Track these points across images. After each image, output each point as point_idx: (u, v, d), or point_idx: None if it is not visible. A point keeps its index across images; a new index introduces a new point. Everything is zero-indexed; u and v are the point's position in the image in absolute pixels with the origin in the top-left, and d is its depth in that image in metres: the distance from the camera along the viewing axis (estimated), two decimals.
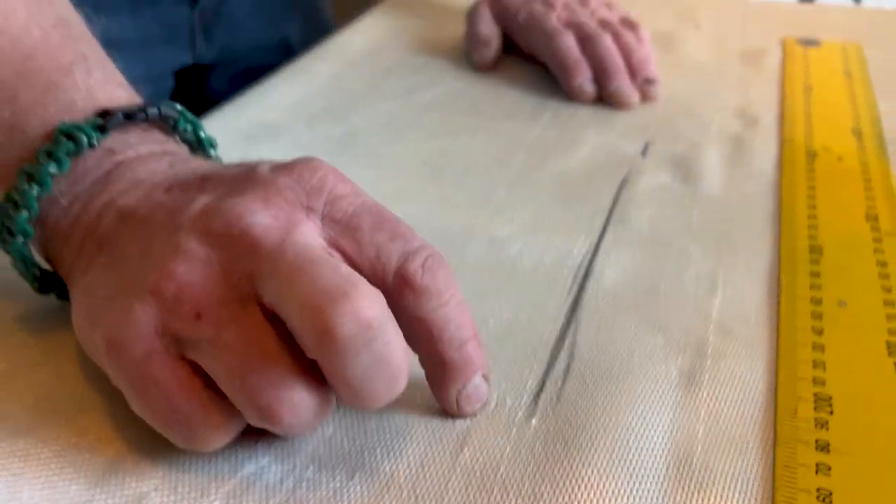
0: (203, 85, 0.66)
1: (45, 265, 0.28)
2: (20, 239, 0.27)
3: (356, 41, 0.58)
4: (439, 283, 0.23)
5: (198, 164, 0.27)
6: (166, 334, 0.22)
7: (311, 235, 0.23)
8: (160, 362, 0.22)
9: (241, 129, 0.43)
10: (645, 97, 0.48)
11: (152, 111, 0.28)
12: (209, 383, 0.22)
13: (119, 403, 0.23)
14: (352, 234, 0.24)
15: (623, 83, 0.48)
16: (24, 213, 0.26)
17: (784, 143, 0.43)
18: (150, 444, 0.23)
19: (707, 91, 0.50)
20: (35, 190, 0.26)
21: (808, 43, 0.58)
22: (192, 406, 0.22)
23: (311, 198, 0.24)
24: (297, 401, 0.21)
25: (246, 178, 0.25)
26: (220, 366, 0.22)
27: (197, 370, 0.22)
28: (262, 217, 0.23)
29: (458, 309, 0.24)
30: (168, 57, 0.60)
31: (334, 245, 0.23)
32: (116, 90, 0.29)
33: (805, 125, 0.45)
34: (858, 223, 0.35)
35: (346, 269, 0.22)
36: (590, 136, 0.43)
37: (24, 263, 0.27)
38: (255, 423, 0.22)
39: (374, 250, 0.23)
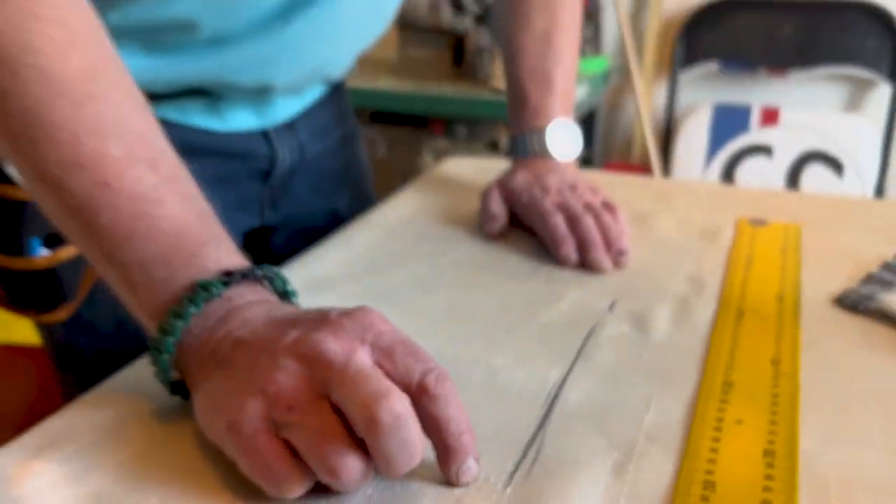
0: (266, 242, 0.80)
1: (175, 375, 0.40)
2: (165, 356, 0.38)
3: (393, 213, 0.72)
4: (447, 392, 0.35)
5: (287, 309, 0.39)
6: (268, 420, 0.33)
7: (363, 358, 0.35)
8: (264, 439, 0.33)
9: (304, 281, 0.56)
10: (616, 265, 0.60)
11: (258, 272, 0.40)
12: (294, 453, 0.33)
13: (231, 470, 0.34)
14: (390, 357, 0.35)
15: (599, 254, 0.60)
16: (171, 339, 0.38)
17: (721, 303, 0.54)
18: (254, 497, 0.34)
19: (668, 261, 0.62)
20: (179, 323, 0.38)
21: (757, 223, 0.70)
22: (283, 468, 0.33)
23: (363, 333, 0.36)
24: (352, 465, 0.32)
25: (321, 319, 0.36)
26: (303, 441, 0.33)
27: (287, 444, 0.33)
28: (333, 345, 0.35)
29: (458, 410, 0.35)
30: (241, 221, 0.74)
31: (378, 364, 0.35)
32: (234, 257, 0.41)
33: (741, 290, 0.56)
34: (765, 366, 0.46)
35: (385, 381, 0.33)
36: (571, 294, 0.55)
37: (164, 373, 0.39)
38: (324, 480, 0.33)
39: (404, 368, 0.35)
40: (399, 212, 0.73)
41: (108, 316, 0.67)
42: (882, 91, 1.81)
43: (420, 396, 0.34)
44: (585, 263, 0.60)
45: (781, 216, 0.72)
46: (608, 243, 0.61)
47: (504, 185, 0.69)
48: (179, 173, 0.42)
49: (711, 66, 1.89)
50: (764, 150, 1.85)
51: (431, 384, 0.34)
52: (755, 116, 1.85)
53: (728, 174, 1.86)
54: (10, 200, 0.62)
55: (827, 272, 0.59)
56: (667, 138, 1.94)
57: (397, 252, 0.63)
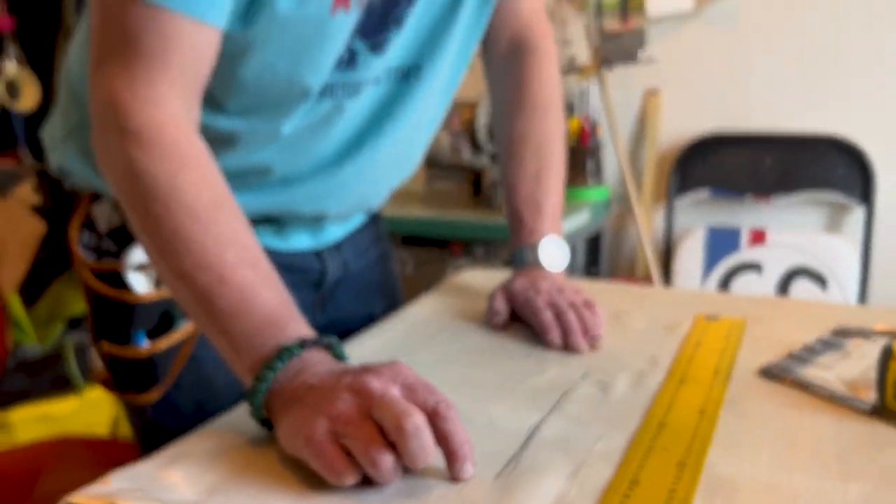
0: None
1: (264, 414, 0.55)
2: (259, 397, 0.54)
3: (418, 311, 0.88)
4: (451, 415, 0.50)
5: (342, 365, 0.55)
6: (331, 432, 0.49)
7: (395, 391, 0.50)
8: (329, 446, 0.48)
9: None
10: (591, 347, 0.75)
11: (325, 340, 0.57)
12: (349, 455, 0.48)
13: (304, 472, 0.50)
14: (413, 391, 0.51)
15: (578, 339, 0.75)
16: (264, 385, 0.54)
17: (669, 374, 0.69)
18: (320, 488, 0.49)
19: (633, 345, 0.77)
20: (270, 375, 0.54)
21: (711, 318, 0.85)
22: (342, 465, 0.48)
23: (395, 376, 0.51)
24: (387, 461, 0.47)
25: (366, 368, 0.52)
26: (355, 445, 0.48)
27: (344, 448, 0.48)
28: (374, 383, 0.50)
29: (459, 427, 0.50)
30: None
31: (405, 396, 0.50)
32: (307, 330, 0.58)
33: (686, 365, 0.71)
34: (692, 413, 0.60)
35: (410, 404, 0.49)
36: (554, 368, 0.70)
37: (258, 410, 0.55)
38: (369, 472, 0.48)
39: (423, 398, 0.50)
40: (423, 310, 0.89)
41: (190, 399, 0.84)
42: (857, 213, 1.97)
43: (433, 417, 0.49)
44: (567, 346, 0.75)
45: (733, 313, 0.87)
46: (586, 331, 0.76)
47: (506, 288, 0.85)
48: (271, 272, 0.59)
49: (703, 194, 2.08)
50: (754, 267, 2.00)
51: (442, 409, 0.50)
52: (744, 237, 2.01)
53: (723, 289, 2.00)
54: (125, 303, 0.80)
55: (760, 354, 0.74)
56: (667, 258, 2.10)
57: (421, 339, 0.79)
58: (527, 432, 0.57)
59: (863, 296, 1.92)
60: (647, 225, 2.08)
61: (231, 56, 0.66)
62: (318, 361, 0.55)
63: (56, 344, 2.38)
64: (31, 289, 2.28)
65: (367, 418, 0.49)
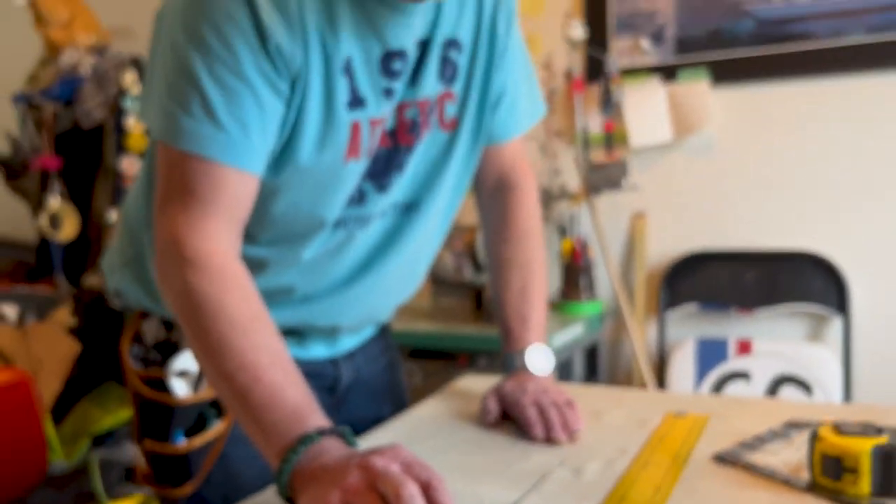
0: None
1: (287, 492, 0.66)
2: (285, 477, 0.65)
3: (421, 411, 0.99)
4: (441, 488, 0.60)
5: (353, 450, 0.66)
6: (344, 502, 0.59)
7: (396, 467, 0.61)
8: (362, 494, 0.59)
9: None
10: (570, 440, 0.85)
11: (339, 430, 0.67)
12: None
13: None
14: (410, 468, 0.61)
15: (558, 432, 0.85)
16: (288, 466, 0.65)
17: (634, 461, 0.78)
18: None
19: (606, 438, 0.86)
20: (294, 458, 0.65)
21: (679, 414, 0.95)
22: None
23: (395, 456, 0.62)
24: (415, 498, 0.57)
25: (372, 452, 0.63)
26: None
27: None
28: (379, 462, 0.61)
29: (447, 496, 0.60)
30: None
31: (403, 470, 0.61)
32: (324, 421, 0.68)
33: (650, 453, 0.80)
34: (649, 489, 0.69)
35: (407, 477, 0.59)
36: (535, 456, 0.80)
37: (283, 487, 0.65)
38: None
39: (417, 473, 0.61)
40: (426, 411, 0.99)
41: (219, 494, 0.93)
42: (835, 323, 2.07)
43: (426, 489, 0.60)
44: (549, 439, 0.85)
45: (700, 410, 0.96)
46: (566, 426, 0.86)
47: (497, 390, 0.96)
48: (296, 374, 0.71)
49: (692, 308, 2.19)
50: (742, 375, 2.08)
51: (434, 482, 0.60)
52: (732, 347, 2.11)
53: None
54: (167, 405, 0.91)
55: (717, 443, 0.83)
56: (660, 367, 2.19)
57: (423, 434, 0.89)
58: None
59: (847, 400, 1.99)
60: (640, 337, 2.18)
61: (264, 197, 0.80)
62: (333, 447, 0.66)
63: (82, 460, 2.45)
64: (60, 407, 2.37)
65: (373, 490, 0.59)
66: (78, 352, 2.28)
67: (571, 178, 2.23)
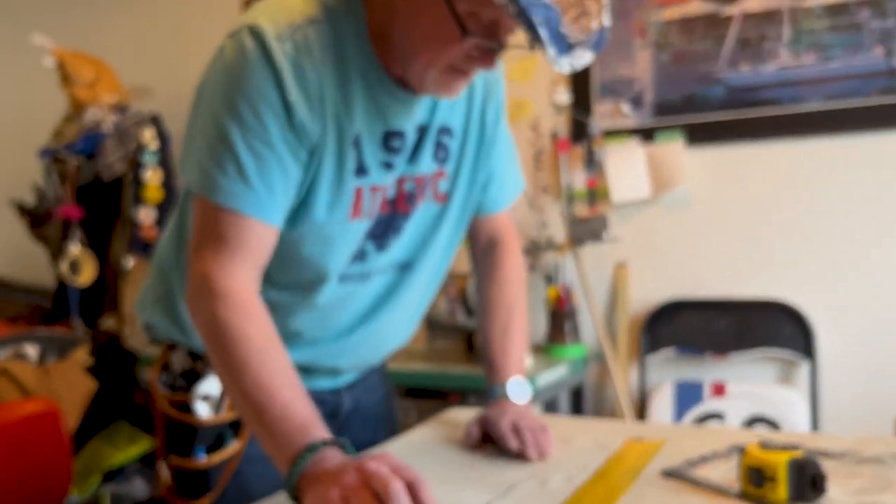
0: None
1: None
2: (293, 480, 0.76)
3: (413, 436, 1.10)
4: (423, 485, 0.72)
5: (350, 457, 0.78)
6: (342, 497, 0.71)
7: (386, 469, 0.73)
8: (357, 492, 0.71)
9: None
10: (540, 458, 0.97)
11: (340, 441, 0.79)
12: None
13: None
14: (398, 469, 0.73)
15: (530, 451, 0.97)
16: (297, 469, 0.77)
17: (592, 476, 0.90)
18: None
19: (572, 458, 0.98)
20: (301, 463, 0.77)
21: (637, 439, 1.06)
22: None
23: (386, 461, 0.74)
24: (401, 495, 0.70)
25: (367, 458, 0.75)
26: None
27: None
28: (372, 465, 0.73)
29: (429, 493, 0.72)
30: None
31: (392, 471, 0.73)
32: (326, 433, 0.81)
33: (607, 469, 0.92)
34: (599, 500, 0.81)
35: (395, 477, 0.71)
36: (509, 472, 0.92)
37: (292, 490, 0.77)
38: None
39: (403, 474, 0.73)
40: (417, 436, 1.11)
41: None
42: (803, 367, 2.18)
43: (411, 487, 0.72)
44: (525, 456, 0.97)
45: (658, 436, 1.08)
46: (537, 446, 0.98)
47: (481, 416, 1.07)
48: (303, 392, 0.84)
49: (670, 352, 2.30)
50: (717, 416, 2.19)
51: (417, 481, 0.72)
52: (707, 390, 2.21)
53: None
54: (191, 425, 1.03)
55: (667, 462, 0.95)
56: (641, 408, 2.29)
57: (412, 454, 1.00)
58: None
59: None
60: (622, 379, 2.29)
61: (282, 246, 0.93)
62: (333, 455, 0.78)
63: (93, 494, 2.54)
64: (74, 443, 2.46)
65: (366, 488, 0.71)
66: (95, 390, 2.39)
67: (557, 231, 2.37)
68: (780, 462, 0.79)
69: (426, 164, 1.00)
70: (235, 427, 1.03)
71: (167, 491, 1.05)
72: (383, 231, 1.00)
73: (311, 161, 0.90)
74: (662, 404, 2.24)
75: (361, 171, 0.93)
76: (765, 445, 0.83)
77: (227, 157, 0.86)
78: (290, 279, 0.97)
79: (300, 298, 0.99)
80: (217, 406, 1.01)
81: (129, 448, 2.64)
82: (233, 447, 1.02)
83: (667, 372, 2.33)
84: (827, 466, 0.85)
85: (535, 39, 0.78)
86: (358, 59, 0.91)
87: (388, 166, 0.96)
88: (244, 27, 0.88)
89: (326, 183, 0.92)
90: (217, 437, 1.02)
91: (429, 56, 0.87)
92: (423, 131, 0.99)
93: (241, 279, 0.87)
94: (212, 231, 0.88)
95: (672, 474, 0.90)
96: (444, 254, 1.10)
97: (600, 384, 2.41)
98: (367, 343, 1.08)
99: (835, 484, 0.84)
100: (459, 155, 1.04)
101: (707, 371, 2.29)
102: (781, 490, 0.79)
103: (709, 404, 2.20)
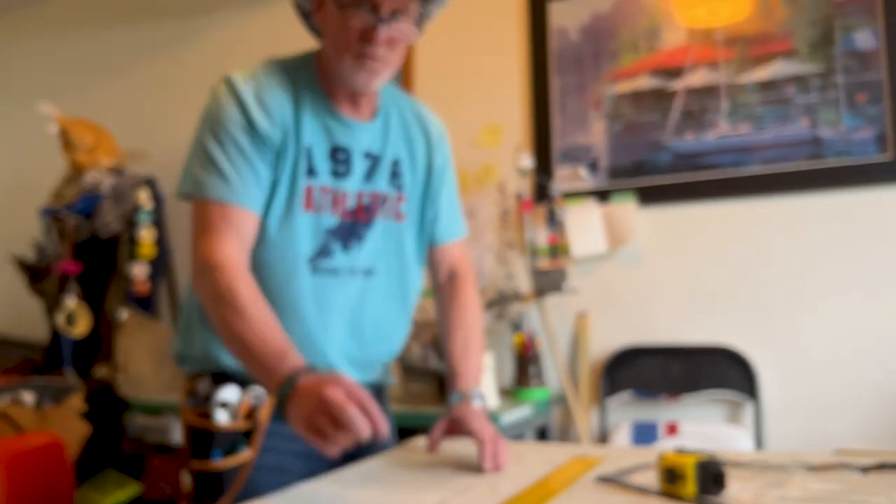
0: None
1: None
2: (282, 398, 0.95)
3: (384, 459, 1.23)
4: (370, 403, 0.90)
5: (317, 376, 0.96)
6: (321, 409, 0.89)
7: (340, 393, 0.89)
8: (320, 419, 0.89)
9: (334, 479, 1.06)
10: (495, 470, 1.10)
11: (317, 367, 0.99)
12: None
13: None
14: (350, 392, 0.90)
15: (488, 464, 1.10)
16: (284, 391, 0.95)
17: (535, 483, 1.03)
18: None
19: (522, 470, 1.11)
20: (287, 388, 0.95)
21: (580, 457, 1.20)
22: (330, 431, 0.89)
23: (339, 383, 0.91)
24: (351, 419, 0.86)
25: (325, 381, 0.93)
26: (327, 425, 0.88)
27: (329, 422, 0.88)
28: (330, 393, 0.90)
29: (375, 409, 0.90)
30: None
31: (346, 394, 0.89)
32: (302, 361, 0.99)
33: (549, 478, 1.05)
34: (534, 500, 0.94)
35: (349, 402, 0.88)
36: (465, 479, 1.05)
37: (280, 404, 0.95)
38: (340, 433, 0.88)
39: (356, 395, 0.90)
40: (387, 456, 1.24)
41: None
42: (749, 408, 2.33)
43: (359, 405, 0.88)
44: (487, 469, 1.10)
45: (599, 454, 1.22)
46: (495, 460, 1.11)
47: (445, 416, 1.23)
48: (282, 333, 1.03)
49: (627, 395, 2.45)
50: None
51: (366, 401, 0.89)
52: (661, 429, 2.35)
53: None
54: (209, 430, 1.17)
55: (603, 472, 1.08)
56: None
57: (379, 469, 1.13)
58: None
59: None
60: (584, 420, 2.42)
61: (260, 235, 1.16)
62: (311, 374, 0.97)
63: None
64: None
65: (326, 413, 0.89)
66: (88, 434, 2.47)
67: (523, 282, 2.53)
68: (688, 463, 0.94)
69: (383, 185, 1.26)
70: (247, 436, 1.17)
71: (185, 497, 1.17)
72: (347, 235, 1.22)
73: (277, 162, 1.16)
74: (622, 442, 2.37)
75: (311, 172, 1.19)
76: (679, 451, 0.97)
77: (210, 165, 1.14)
78: (271, 262, 1.16)
79: (285, 291, 1.16)
80: (234, 414, 1.16)
81: (116, 493, 2.71)
82: (245, 454, 1.16)
83: (625, 413, 2.46)
84: (734, 471, 0.99)
85: None
86: (309, 92, 1.20)
87: (336, 174, 1.21)
88: (220, 79, 1.19)
89: (286, 180, 1.17)
90: (231, 442, 1.16)
91: (337, 50, 1.16)
92: (375, 159, 1.25)
93: (230, 253, 1.10)
94: (204, 222, 1.12)
95: (605, 479, 1.03)
96: (408, 270, 1.30)
97: (564, 425, 2.54)
98: (346, 343, 1.23)
99: (737, 483, 0.98)
100: (412, 184, 1.31)
101: (661, 412, 2.43)
102: (690, 486, 0.93)
103: (663, 443, 2.33)
